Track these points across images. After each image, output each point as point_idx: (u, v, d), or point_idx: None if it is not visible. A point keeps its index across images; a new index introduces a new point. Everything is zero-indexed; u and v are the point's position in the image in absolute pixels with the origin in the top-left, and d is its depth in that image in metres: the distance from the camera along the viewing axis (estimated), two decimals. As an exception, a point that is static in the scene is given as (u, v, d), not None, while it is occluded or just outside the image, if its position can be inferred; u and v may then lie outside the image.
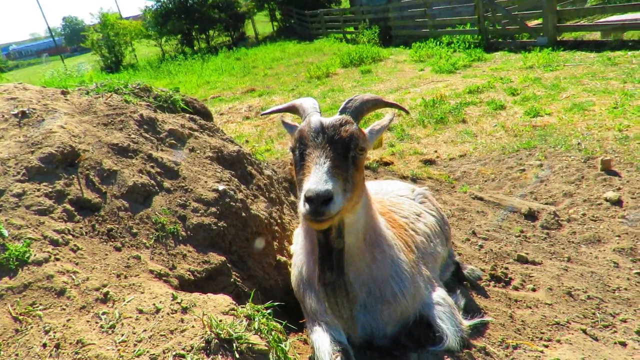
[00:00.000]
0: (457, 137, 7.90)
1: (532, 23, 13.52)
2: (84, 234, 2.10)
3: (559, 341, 2.63)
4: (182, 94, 3.69)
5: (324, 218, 1.73)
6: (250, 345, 1.61)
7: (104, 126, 2.64)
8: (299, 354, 2.30)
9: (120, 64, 29.98)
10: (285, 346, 1.75)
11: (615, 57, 10.30)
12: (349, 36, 22.06)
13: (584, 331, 2.80)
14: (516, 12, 13.41)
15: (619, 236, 4.48)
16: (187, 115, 3.22)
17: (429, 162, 7.08)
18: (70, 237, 2.03)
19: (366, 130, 2.18)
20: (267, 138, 9.52)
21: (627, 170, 5.66)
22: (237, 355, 1.54)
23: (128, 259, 2.04)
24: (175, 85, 18.66)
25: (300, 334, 2.54)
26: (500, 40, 13.97)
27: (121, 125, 2.67)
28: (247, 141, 9.48)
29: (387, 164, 6.84)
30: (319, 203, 1.69)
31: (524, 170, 6.25)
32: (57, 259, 1.90)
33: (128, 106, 2.86)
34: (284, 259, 2.87)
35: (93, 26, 31.26)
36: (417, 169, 6.57)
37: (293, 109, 2.28)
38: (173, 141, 2.79)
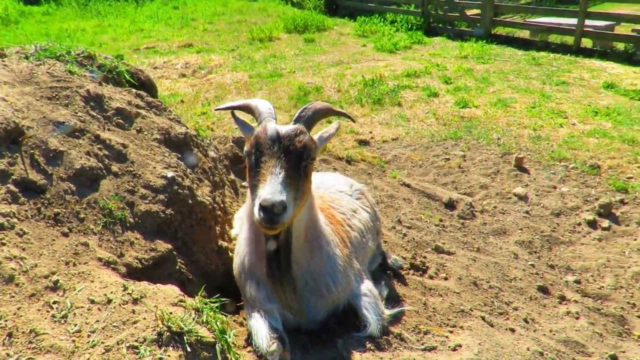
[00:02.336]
0: (391, 119, 8.25)
1: (471, 12, 14.10)
2: (30, 217, 2.10)
3: (461, 327, 3.05)
4: (127, 64, 3.59)
5: (277, 226, 1.92)
6: (199, 337, 1.77)
7: (48, 100, 2.56)
8: (236, 336, 2.49)
9: (41, -5, 27.03)
10: (229, 336, 1.93)
11: (539, 58, 11.14)
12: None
13: (483, 318, 3.25)
14: (458, 0, 13.90)
15: (521, 229, 5.09)
16: (134, 90, 3.17)
17: (363, 143, 7.39)
18: (15, 220, 2.03)
19: (315, 137, 2.35)
20: (204, 100, 9.31)
21: (535, 169, 6.33)
22: (188, 349, 1.70)
23: (76, 246, 2.09)
24: (104, 28, 17.36)
25: (237, 315, 2.74)
26: (440, 25, 14.46)
27: (67, 101, 2.60)
28: (182, 101, 9.23)
29: (324, 141, 7.03)
30: (274, 212, 1.86)
31: (448, 159, 6.75)
32: (4, 244, 1.91)
33: (73, 79, 2.77)
34: (225, 244, 3.01)
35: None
36: (352, 150, 6.85)
37: (247, 109, 2.38)
38: (120, 120, 2.77)
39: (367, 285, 2.71)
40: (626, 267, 4.43)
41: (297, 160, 2.09)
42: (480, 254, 4.43)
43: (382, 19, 15.51)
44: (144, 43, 14.25)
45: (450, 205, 5.42)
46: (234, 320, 2.69)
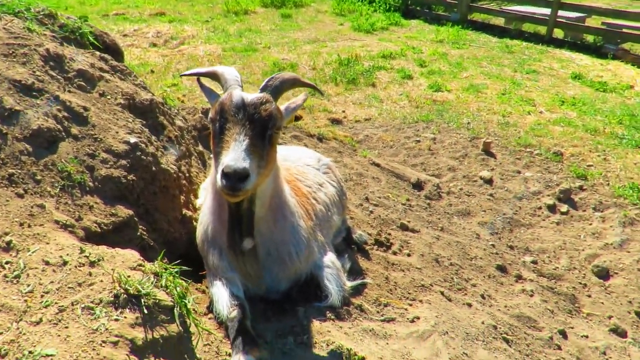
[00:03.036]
0: (365, 100, 8.26)
1: (449, -3, 14.14)
2: (-18, 176, 2.02)
3: (421, 301, 3.14)
4: (91, 25, 3.45)
5: (239, 193, 1.90)
6: (157, 301, 1.76)
7: (4, 57, 2.44)
8: (197, 303, 2.50)
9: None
10: (189, 301, 1.93)
11: (513, 46, 11.31)
12: (272, -28, 21.07)
13: (442, 293, 3.35)
14: (436, -16, 13.91)
15: (484, 211, 5.23)
16: (98, 53, 3.06)
17: (336, 122, 7.39)
18: (-34, 179, 1.95)
19: (282, 107, 2.33)
20: (175, 71, 9.08)
21: (502, 154, 6.48)
22: (145, 311, 1.69)
23: (32, 207, 2.03)
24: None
25: (199, 284, 2.73)
26: (418, 8, 14.47)
27: (24, 59, 2.48)
28: (152, 71, 8.97)
29: (296, 118, 6.99)
30: (236, 179, 1.85)
31: (419, 141, 6.84)
32: (-47, 203, 1.84)
33: (32, 37, 2.64)
34: (189, 213, 2.98)
35: None
36: (324, 128, 6.84)
37: (214, 76, 2.34)
38: (82, 83, 2.67)
39: (330, 257, 2.75)
40: (580, 249, 4.63)
41: (262, 128, 2.07)
42: (444, 233, 4.53)
43: (361, -2, 15.39)
44: (114, 9, 13.72)
45: (418, 185, 5.51)
46: (196, 289, 2.68)
